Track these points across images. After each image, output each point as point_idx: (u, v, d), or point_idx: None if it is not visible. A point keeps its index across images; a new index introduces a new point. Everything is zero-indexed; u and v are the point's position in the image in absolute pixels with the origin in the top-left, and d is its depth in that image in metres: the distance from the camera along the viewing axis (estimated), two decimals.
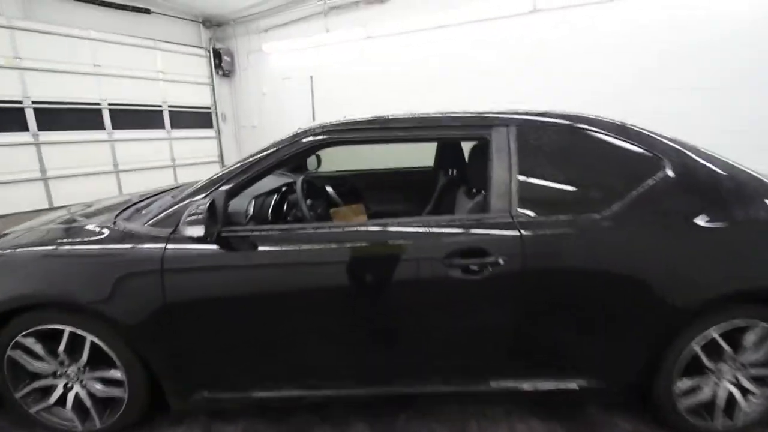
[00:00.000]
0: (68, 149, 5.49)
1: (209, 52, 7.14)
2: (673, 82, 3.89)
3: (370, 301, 1.38)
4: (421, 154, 2.79)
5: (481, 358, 1.44)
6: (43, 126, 5.20)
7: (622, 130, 1.43)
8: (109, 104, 5.85)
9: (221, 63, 7.16)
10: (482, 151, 1.50)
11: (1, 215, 4.88)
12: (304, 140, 1.45)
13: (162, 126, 6.56)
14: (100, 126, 5.80)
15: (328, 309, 1.38)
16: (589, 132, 1.41)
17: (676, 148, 1.40)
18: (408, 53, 5.43)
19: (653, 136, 1.43)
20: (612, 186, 1.37)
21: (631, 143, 1.40)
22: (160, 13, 6.43)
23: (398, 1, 5.36)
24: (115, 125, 5.94)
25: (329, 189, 2.76)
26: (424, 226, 1.37)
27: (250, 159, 1.44)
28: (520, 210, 1.35)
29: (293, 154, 1.44)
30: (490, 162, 1.40)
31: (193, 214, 1.21)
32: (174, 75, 6.64)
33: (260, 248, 1.35)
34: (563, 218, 1.33)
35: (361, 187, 2.84)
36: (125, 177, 6.13)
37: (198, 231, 1.20)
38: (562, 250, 1.32)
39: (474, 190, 1.70)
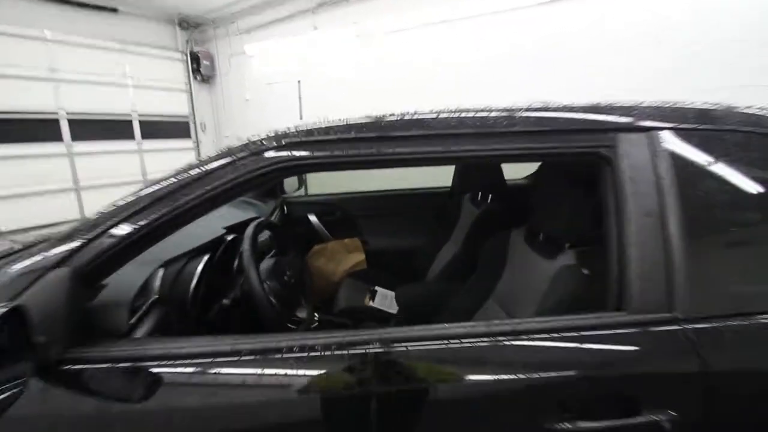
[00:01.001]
0: (17, 165, 4.72)
1: (186, 55, 6.46)
2: (700, 76, 3.23)
3: None
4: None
5: None
6: None
7: None
8: (68, 113, 5.12)
9: (200, 67, 6.46)
10: (568, 173, 0.83)
11: None
12: (252, 162, 0.75)
13: (131, 137, 5.84)
14: (57, 138, 5.06)
15: None
16: None
17: None
18: (406, 52, 4.77)
19: None
20: None
21: None
22: (129, 12, 5.76)
23: None
24: (76, 137, 5.20)
25: (313, 218, 2.06)
26: (480, 338, 0.66)
27: (143, 194, 0.74)
28: (695, 301, 0.65)
29: (230, 189, 0.74)
30: (611, 197, 0.72)
31: None
32: (145, 81, 5.92)
33: (149, 384, 0.65)
34: None
35: (356, 215, 2.15)
36: (87, 195, 5.37)
37: None
38: None
39: (542, 237, 1.00)
